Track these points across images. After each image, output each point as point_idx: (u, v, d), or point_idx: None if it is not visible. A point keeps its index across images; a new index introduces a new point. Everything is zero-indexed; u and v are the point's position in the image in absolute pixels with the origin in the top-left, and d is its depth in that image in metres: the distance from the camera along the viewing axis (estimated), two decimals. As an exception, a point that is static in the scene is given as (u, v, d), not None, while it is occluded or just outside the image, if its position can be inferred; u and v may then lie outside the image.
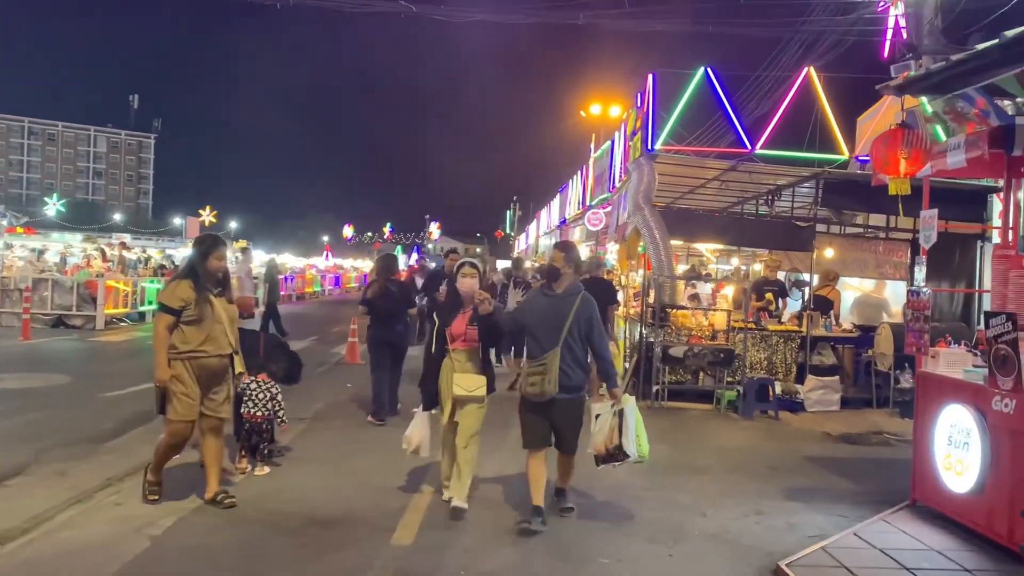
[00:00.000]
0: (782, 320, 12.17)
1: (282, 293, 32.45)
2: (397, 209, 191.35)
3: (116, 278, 19.39)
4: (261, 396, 6.86)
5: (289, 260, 59.42)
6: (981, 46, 4.06)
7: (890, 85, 5.13)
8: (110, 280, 18.62)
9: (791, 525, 5.91)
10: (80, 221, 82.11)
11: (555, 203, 32.04)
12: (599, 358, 5.75)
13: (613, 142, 17.28)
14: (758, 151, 11.65)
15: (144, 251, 27.40)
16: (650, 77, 11.68)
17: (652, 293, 11.37)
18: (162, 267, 23.33)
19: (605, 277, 11.58)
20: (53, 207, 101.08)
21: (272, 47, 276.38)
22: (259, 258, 58.48)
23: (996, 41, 3.76)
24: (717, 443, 8.82)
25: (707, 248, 16.66)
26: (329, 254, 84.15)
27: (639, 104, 12.09)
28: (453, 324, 5.94)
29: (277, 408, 6.96)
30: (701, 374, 11.48)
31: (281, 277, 34.06)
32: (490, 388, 5.96)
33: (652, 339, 11.04)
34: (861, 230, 13.27)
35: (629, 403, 5.66)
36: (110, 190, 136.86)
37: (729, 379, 11.15)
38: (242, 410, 6.92)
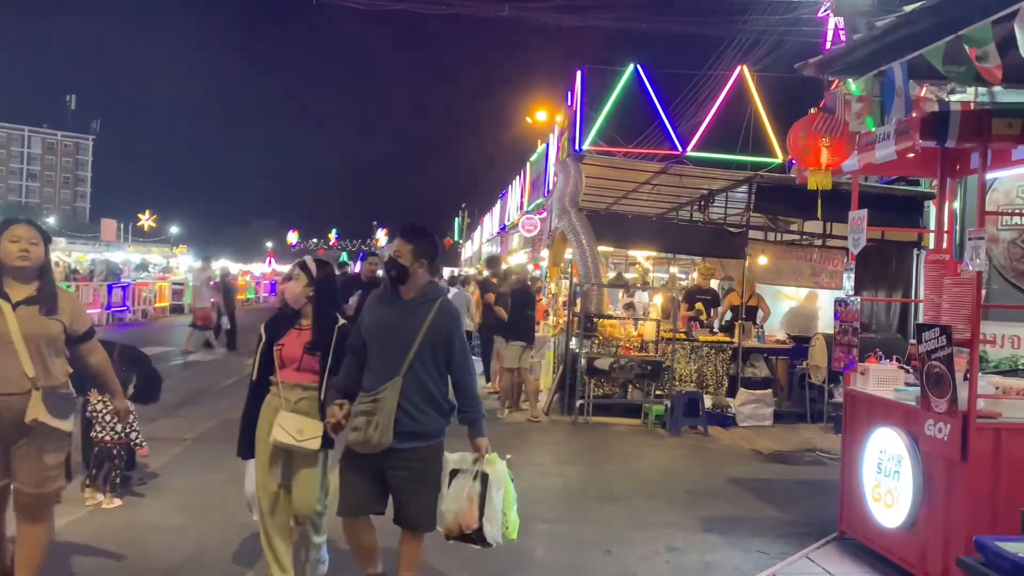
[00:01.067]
0: (714, 330, 11.62)
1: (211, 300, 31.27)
2: (344, 215, 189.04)
3: None
4: (110, 418, 5.99)
5: (225, 266, 57.72)
6: (909, 7, 3.48)
7: (810, 63, 4.53)
8: None
9: (705, 565, 5.23)
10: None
11: (496, 209, 31.38)
12: (460, 393, 4.03)
13: (548, 144, 16.68)
14: (690, 153, 11.10)
15: (69, 255, 25.93)
16: (579, 74, 11.06)
17: (579, 302, 10.74)
18: (74, 272, 21.99)
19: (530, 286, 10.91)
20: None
21: (215, 46, 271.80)
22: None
23: (925, 2, 3.20)
24: (637, 464, 8.16)
25: (643, 256, 16.13)
26: (272, 260, 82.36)
27: (569, 103, 11.46)
28: (285, 343, 4.31)
29: (129, 430, 6.10)
30: (631, 387, 10.88)
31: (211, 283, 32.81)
32: (327, 440, 4.18)
33: (578, 350, 10.40)
34: (797, 237, 12.82)
35: (497, 466, 3.96)
36: (45, 192, 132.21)
37: (658, 392, 10.56)
38: (92, 434, 6.06)
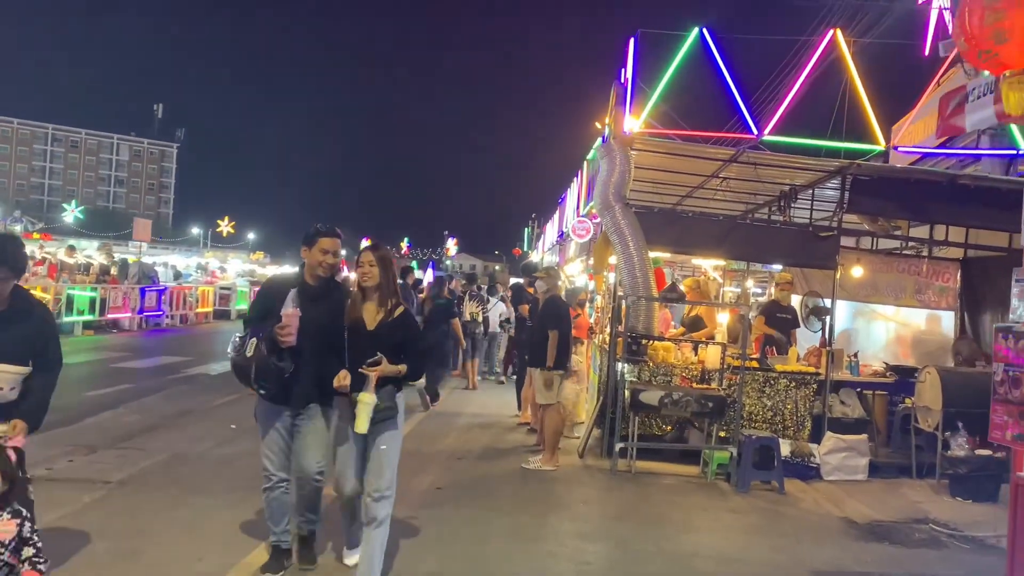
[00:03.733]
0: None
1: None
2: (416, 224, 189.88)
3: (38, 284, 17.01)
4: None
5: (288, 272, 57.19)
6: None
7: None
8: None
9: None
10: (98, 228, 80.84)
11: (557, 216, 29.41)
12: None
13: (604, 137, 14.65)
14: (767, 137, 8.94)
15: (109, 254, 25.04)
16: (631, 40, 9.05)
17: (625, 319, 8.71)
18: (107, 272, 20.94)
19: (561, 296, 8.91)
20: (71, 213, 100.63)
21: (297, 62, 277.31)
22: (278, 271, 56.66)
23: None
24: (687, 541, 6.07)
25: (711, 265, 13.93)
26: (345, 268, 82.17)
27: (620, 80, 9.46)
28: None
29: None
30: (688, 426, 8.80)
31: (262, 289, 31.76)
32: None
33: (620, 378, 8.38)
34: (900, 244, 10.51)
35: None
36: (131, 198, 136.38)
37: (722, 433, 8.45)
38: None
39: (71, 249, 22.08)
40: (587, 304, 11.87)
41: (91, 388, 10.99)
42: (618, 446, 8.06)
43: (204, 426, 9.14)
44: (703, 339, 9.32)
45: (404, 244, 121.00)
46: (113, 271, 21.14)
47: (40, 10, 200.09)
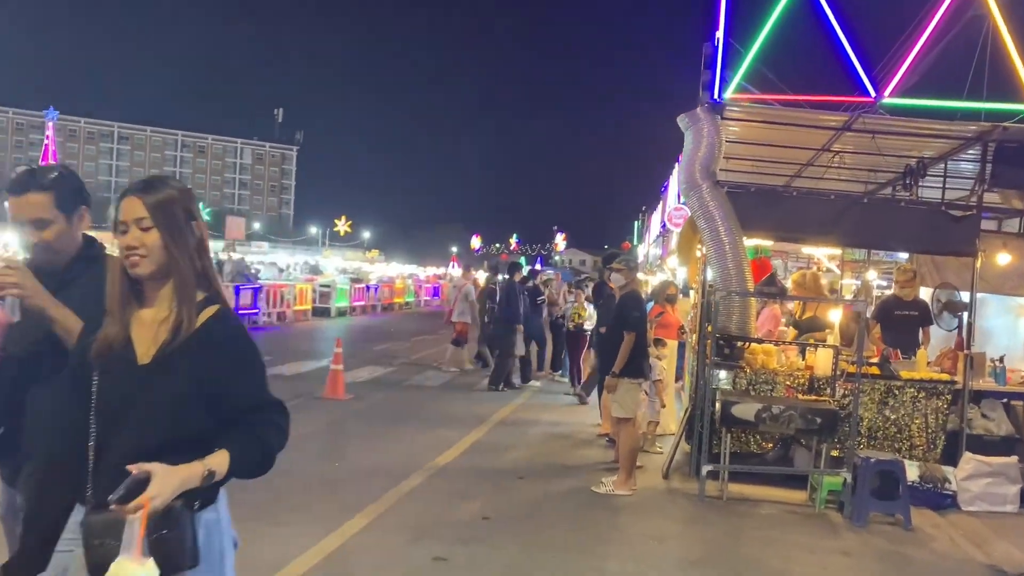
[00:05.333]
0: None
1: (359, 303, 30.07)
2: (524, 220, 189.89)
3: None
4: None
5: (395, 269, 57.90)
6: None
7: None
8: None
9: None
10: (223, 229, 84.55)
11: (660, 207, 27.89)
12: None
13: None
14: (887, 100, 7.48)
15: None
16: (722, -6, 7.75)
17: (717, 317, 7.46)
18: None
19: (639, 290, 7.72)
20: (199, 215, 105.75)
21: (407, 64, 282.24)
22: (396, 270, 57.35)
23: None
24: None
25: (826, 254, 12.38)
26: (455, 264, 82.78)
27: (712, 41, 8.18)
28: None
29: None
30: (793, 443, 7.48)
31: (362, 286, 31.62)
32: None
33: (715, 386, 7.15)
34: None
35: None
36: (254, 200, 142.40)
37: (835, 453, 7.10)
38: None
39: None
40: (678, 299, 10.59)
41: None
42: (705, 468, 6.84)
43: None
44: (811, 341, 7.96)
45: (513, 240, 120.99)
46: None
47: (170, 23, 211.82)
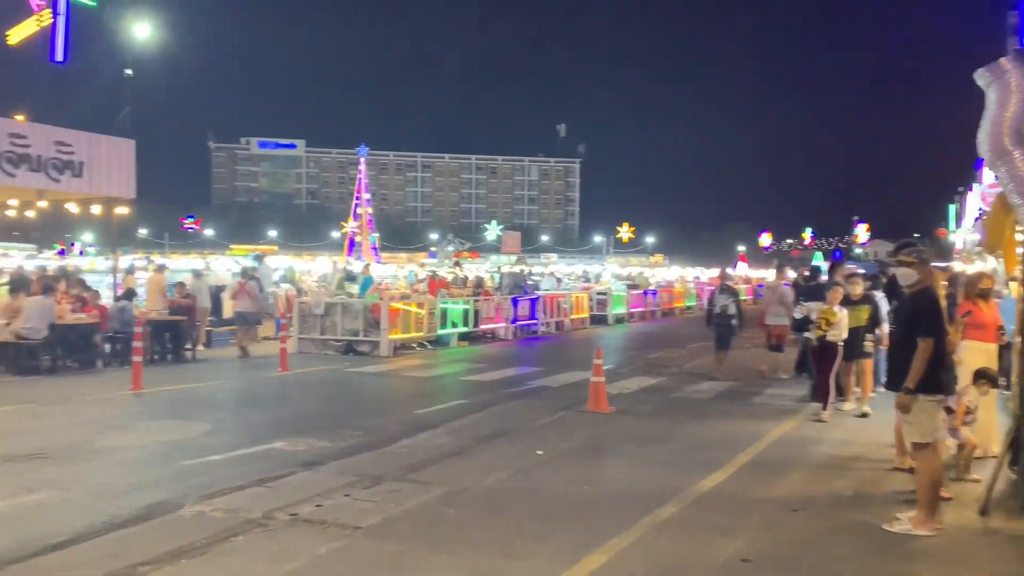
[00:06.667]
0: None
1: (636, 309, 29.45)
2: (818, 212, 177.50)
3: (410, 301, 18.11)
4: None
5: (676, 272, 56.51)
6: None
7: None
8: (398, 303, 17.32)
9: None
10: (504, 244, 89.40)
11: (976, 187, 24.29)
12: None
13: None
14: None
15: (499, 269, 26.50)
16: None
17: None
18: (480, 284, 21.83)
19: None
20: (493, 232, 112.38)
21: (683, 63, 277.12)
22: (677, 273, 56.59)
23: None
24: None
25: None
26: (742, 264, 79.93)
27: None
28: None
29: None
30: None
31: (639, 292, 31.06)
32: None
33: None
34: None
35: None
36: (542, 213, 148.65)
37: None
38: None
39: (457, 265, 23.50)
40: (992, 293, 8.72)
41: (424, 404, 10.87)
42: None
43: (510, 451, 8.28)
44: None
45: (806, 234, 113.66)
46: (489, 283, 21.96)
47: (453, 51, 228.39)
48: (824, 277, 13.50)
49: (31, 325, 12.97)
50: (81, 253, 62.36)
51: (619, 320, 27.55)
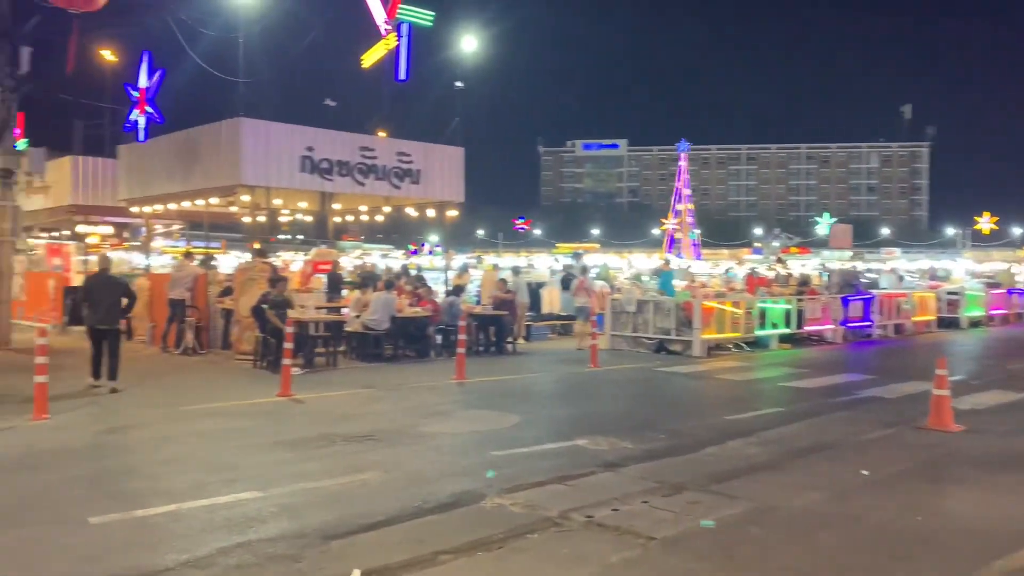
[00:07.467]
0: None
1: (997, 311, 25.43)
2: None
3: (726, 300, 17.34)
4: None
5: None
6: None
7: None
8: (711, 302, 16.66)
9: None
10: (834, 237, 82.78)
11: None
12: None
13: None
14: None
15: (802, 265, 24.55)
16: None
17: None
18: (806, 282, 20.27)
19: None
20: (824, 225, 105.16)
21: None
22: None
23: None
24: None
25: None
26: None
27: None
28: None
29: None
30: None
31: (1002, 292, 26.87)
32: None
33: None
34: None
35: None
36: (883, 204, 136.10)
37: None
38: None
39: (779, 261, 22.17)
40: None
41: (737, 411, 10.23)
42: None
43: (829, 469, 7.45)
44: None
45: None
46: (816, 281, 20.37)
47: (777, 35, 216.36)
48: None
49: (376, 317, 14.45)
50: (430, 253, 69.28)
51: (974, 323, 24.20)
